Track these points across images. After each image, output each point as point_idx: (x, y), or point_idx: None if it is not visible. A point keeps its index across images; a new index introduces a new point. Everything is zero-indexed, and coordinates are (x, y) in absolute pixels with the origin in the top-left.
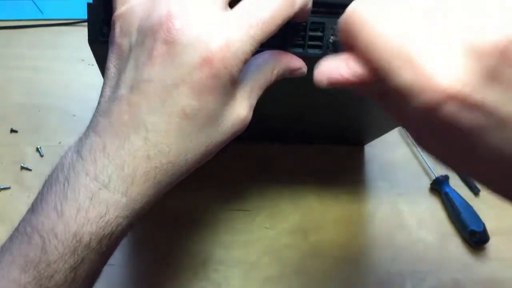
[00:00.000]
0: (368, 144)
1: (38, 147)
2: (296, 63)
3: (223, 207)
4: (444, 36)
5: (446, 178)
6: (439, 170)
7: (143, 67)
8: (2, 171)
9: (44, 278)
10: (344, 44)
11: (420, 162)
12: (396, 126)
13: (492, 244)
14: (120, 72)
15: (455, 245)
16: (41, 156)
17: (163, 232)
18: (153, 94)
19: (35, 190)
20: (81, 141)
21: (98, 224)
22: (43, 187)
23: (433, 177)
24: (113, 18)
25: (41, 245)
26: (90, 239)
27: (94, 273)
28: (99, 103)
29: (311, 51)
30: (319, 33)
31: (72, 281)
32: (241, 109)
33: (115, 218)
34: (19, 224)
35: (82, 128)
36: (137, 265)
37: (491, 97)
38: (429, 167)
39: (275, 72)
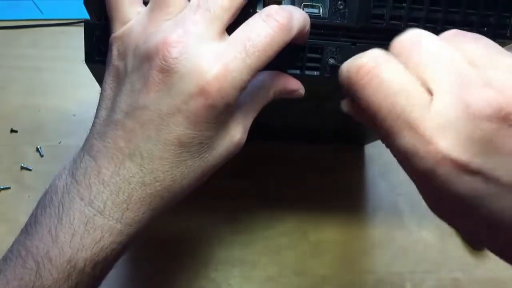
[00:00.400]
0: (368, 144)
1: (38, 147)
2: (293, 84)
3: (223, 207)
4: (445, 102)
5: None
6: None
7: (139, 94)
8: (2, 171)
9: None
10: (346, 91)
11: None
12: None
13: None
14: (116, 95)
15: (455, 245)
16: (41, 156)
17: (163, 232)
18: (148, 121)
19: (35, 190)
20: (75, 163)
21: (92, 250)
22: (37, 208)
23: None
24: (110, 39)
25: (35, 270)
26: (84, 264)
27: None
28: (94, 124)
29: (308, 72)
30: (317, 55)
31: None
32: (236, 132)
33: (110, 244)
34: (13, 245)
35: (82, 128)
36: (137, 265)
37: (490, 164)
38: None
39: (272, 93)
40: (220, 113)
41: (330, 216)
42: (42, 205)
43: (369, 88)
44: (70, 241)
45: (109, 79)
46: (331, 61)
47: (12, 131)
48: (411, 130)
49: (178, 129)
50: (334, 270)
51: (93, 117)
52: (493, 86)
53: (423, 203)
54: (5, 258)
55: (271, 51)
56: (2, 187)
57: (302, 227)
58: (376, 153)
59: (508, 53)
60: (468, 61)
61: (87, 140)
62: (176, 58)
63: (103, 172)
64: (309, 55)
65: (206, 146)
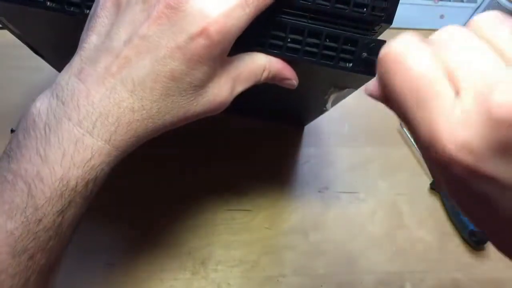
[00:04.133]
0: (368, 144)
1: None
2: (288, 72)
3: (223, 207)
4: (465, 101)
5: None
6: None
7: (141, 25)
8: None
9: (32, 223)
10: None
11: (420, 162)
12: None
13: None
14: (113, 24)
15: (455, 245)
16: None
17: (163, 232)
18: (145, 51)
19: None
20: (59, 86)
21: (84, 168)
22: (17, 134)
23: (433, 177)
24: None
25: (26, 191)
26: (76, 182)
27: (79, 218)
28: (82, 48)
29: (342, 64)
30: (352, 48)
31: (59, 225)
32: (223, 89)
33: (100, 164)
34: None
35: None
36: (137, 265)
37: (503, 169)
38: None
39: (266, 73)
40: (215, 58)
41: (330, 216)
42: (23, 130)
43: (395, 73)
44: (61, 160)
45: (106, 7)
46: (365, 54)
47: (13, 131)
48: (431, 123)
49: (174, 63)
50: (334, 270)
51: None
52: None
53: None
54: None
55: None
56: None
57: (302, 227)
58: (376, 153)
59: None
60: (501, 54)
61: (73, 64)
62: None
63: (92, 94)
64: (344, 46)
65: (194, 89)
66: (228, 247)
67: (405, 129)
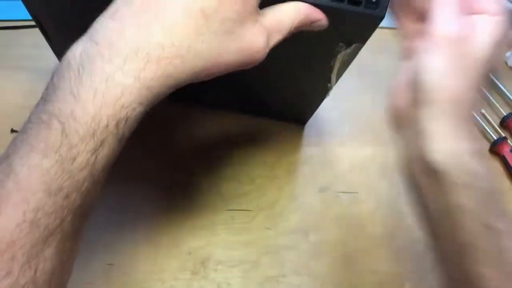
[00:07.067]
0: (368, 144)
1: None
2: (317, 14)
3: (223, 207)
4: None
5: None
6: None
7: None
8: None
9: (66, 161)
10: None
11: None
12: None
13: None
14: None
15: None
16: None
17: (163, 232)
18: None
19: None
20: (94, 29)
21: (114, 107)
22: (52, 78)
23: None
24: None
25: (60, 129)
26: (108, 121)
27: (112, 160)
28: None
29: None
30: None
31: (93, 165)
32: (257, 38)
33: (130, 103)
34: (29, 117)
35: None
36: (137, 265)
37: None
38: None
39: (297, 20)
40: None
41: (330, 216)
42: (58, 73)
43: None
44: (93, 99)
45: None
46: None
47: (13, 131)
48: None
49: (205, 0)
50: (334, 270)
51: None
52: None
53: None
54: (24, 129)
55: None
56: None
57: (302, 227)
58: (376, 153)
59: None
60: None
61: (107, 10)
62: None
63: (126, 30)
64: None
65: (225, 29)
66: (228, 247)
67: None
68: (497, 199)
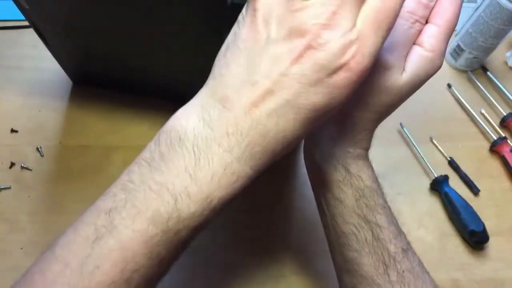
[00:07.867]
0: None
1: (38, 147)
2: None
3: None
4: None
5: (445, 178)
6: (438, 170)
7: (282, 61)
8: (2, 171)
9: (172, 232)
10: None
11: (420, 162)
12: None
13: (492, 244)
14: (255, 56)
15: (455, 245)
16: (41, 156)
17: None
18: (288, 87)
19: (35, 190)
20: (205, 111)
21: (227, 191)
22: (158, 145)
23: (433, 177)
24: (254, 2)
25: (173, 203)
26: (218, 202)
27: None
28: (221, 75)
29: None
30: None
31: (190, 239)
32: None
33: (240, 186)
34: (130, 176)
35: None
36: None
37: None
38: (429, 167)
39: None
40: (358, 83)
41: None
42: (166, 143)
43: None
44: (210, 181)
45: (247, 39)
46: None
47: (13, 131)
48: None
49: (316, 97)
50: (334, 270)
51: None
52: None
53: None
54: (124, 188)
55: (396, 17)
56: (2, 187)
57: (302, 227)
58: (376, 153)
59: None
60: None
61: (213, 89)
62: (326, 39)
63: (241, 124)
64: None
65: (331, 112)
66: (228, 247)
67: (405, 129)
68: (373, 196)
